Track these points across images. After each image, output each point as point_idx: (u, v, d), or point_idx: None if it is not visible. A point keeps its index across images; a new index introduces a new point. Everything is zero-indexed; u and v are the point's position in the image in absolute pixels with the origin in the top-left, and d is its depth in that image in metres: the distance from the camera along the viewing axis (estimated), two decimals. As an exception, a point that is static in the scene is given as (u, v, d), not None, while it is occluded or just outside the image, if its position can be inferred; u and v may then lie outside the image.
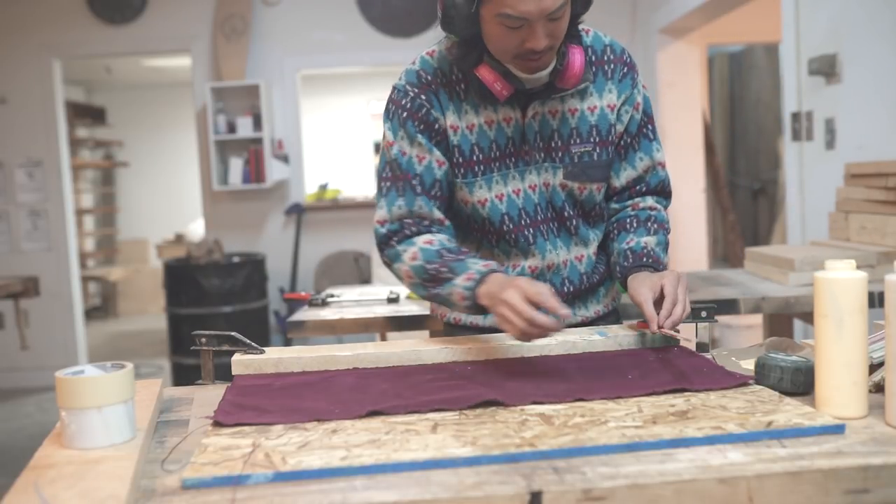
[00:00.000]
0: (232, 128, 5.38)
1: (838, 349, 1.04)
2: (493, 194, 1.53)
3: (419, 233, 1.49)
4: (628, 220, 1.61)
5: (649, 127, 1.61)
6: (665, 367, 1.29)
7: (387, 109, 1.54)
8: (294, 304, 5.15)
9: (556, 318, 1.25)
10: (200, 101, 5.47)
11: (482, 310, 1.38)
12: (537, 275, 1.58)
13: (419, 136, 1.50)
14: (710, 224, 5.94)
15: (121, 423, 0.99)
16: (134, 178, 9.31)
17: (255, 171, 5.33)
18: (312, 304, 2.39)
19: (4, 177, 5.52)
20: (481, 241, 1.60)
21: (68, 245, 5.58)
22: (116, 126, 8.98)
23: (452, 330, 1.67)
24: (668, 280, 1.39)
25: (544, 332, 1.26)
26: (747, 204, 6.75)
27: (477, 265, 1.40)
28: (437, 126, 1.51)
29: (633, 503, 0.85)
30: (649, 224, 1.59)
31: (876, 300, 1.94)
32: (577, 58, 1.46)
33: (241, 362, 1.36)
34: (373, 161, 9.10)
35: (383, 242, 1.52)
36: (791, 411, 1.05)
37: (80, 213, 7.96)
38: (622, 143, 1.59)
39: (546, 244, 1.57)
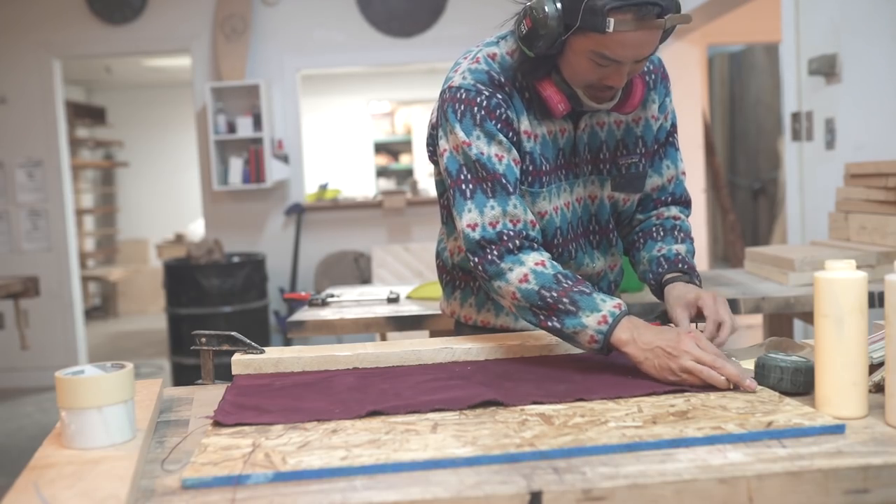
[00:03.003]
0: (232, 128, 5.38)
1: (838, 349, 1.04)
2: (551, 207, 1.50)
3: (521, 248, 1.38)
4: (654, 229, 1.60)
5: (675, 136, 1.62)
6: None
7: (454, 110, 1.43)
8: (294, 304, 5.15)
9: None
10: (200, 101, 5.46)
11: (609, 350, 1.30)
12: None
13: (499, 134, 1.41)
14: (710, 224, 5.94)
15: (121, 423, 0.99)
16: (134, 178, 9.30)
17: (255, 171, 5.33)
18: (312, 304, 2.39)
19: (4, 177, 5.52)
20: None
21: (68, 245, 5.57)
22: (116, 126, 8.98)
23: (462, 328, 1.67)
24: (706, 301, 1.37)
25: (728, 380, 1.18)
26: (747, 204, 6.75)
27: (607, 304, 1.29)
28: (514, 126, 1.44)
29: (633, 503, 0.85)
30: (676, 233, 1.59)
31: (876, 300, 1.94)
32: (639, 88, 1.46)
33: (241, 362, 1.36)
34: (373, 161, 9.11)
35: (478, 250, 1.40)
36: (791, 411, 1.05)
37: (80, 213, 7.95)
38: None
39: (585, 257, 1.58)
